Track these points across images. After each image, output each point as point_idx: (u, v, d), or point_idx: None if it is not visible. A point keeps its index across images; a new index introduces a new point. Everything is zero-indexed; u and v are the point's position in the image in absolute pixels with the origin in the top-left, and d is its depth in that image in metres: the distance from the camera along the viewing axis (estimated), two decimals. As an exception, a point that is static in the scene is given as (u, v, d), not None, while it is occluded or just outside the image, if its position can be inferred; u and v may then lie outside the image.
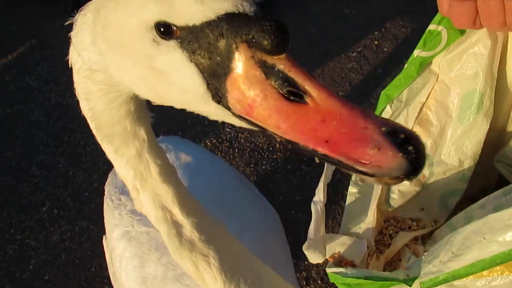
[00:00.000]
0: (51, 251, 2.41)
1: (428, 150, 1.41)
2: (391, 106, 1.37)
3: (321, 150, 0.47)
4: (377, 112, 1.39)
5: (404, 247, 1.42)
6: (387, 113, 1.38)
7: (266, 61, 0.50)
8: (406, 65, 1.35)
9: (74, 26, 0.72)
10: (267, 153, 2.73)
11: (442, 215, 1.48)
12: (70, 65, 0.76)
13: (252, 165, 2.70)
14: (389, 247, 1.42)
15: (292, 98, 0.49)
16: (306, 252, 1.33)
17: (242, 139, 2.77)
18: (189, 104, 0.60)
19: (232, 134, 2.80)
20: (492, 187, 1.56)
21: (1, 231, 2.51)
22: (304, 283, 2.24)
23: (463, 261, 0.93)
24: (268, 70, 0.50)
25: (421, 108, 1.38)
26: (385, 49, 3.19)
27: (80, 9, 0.70)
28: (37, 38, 3.44)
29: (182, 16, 0.53)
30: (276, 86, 0.50)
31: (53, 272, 2.33)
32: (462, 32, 1.26)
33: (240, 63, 0.51)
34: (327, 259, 1.39)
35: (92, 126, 0.78)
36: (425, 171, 1.44)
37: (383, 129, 0.45)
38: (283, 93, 0.50)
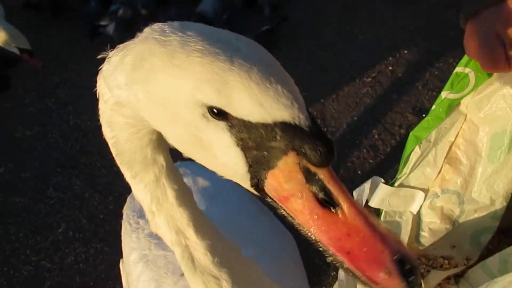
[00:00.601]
0: (66, 273, 2.42)
1: (459, 188, 1.41)
2: (419, 146, 1.38)
3: (341, 258, 0.55)
4: (405, 153, 1.40)
5: (437, 287, 1.40)
6: (416, 154, 1.39)
7: (309, 168, 0.55)
8: (434, 106, 1.36)
9: (107, 60, 0.70)
10: None
11: (474, 252, 1.47)
12: (96, 94, 0.75)
13: None
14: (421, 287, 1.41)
15: (325, 204, 0.55)
16: None
17: None
18: (223, 174, 0.64)
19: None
20: (523, 222, 1.56)
21: (17, 252, 2.52)
22: None
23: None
24: (309, 176, 0.55)
25: (450, 147, 1.39)
26: (399, 75, 3.20)
27: (117, 47, 0.69)
28: (57, 61, 3.49)
29: (239, 111, 0.55)
30: (313, 190, 0.55)
31: None
32: (490, 74, 1.27)
33: (286, 165, 0.56)
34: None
35: (113, 151, 0.79)
36: (456, 209, 1.44)
37: (396, 257, 0.53)
38: (318, 198, 0.55)
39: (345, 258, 0.54)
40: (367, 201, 1.50)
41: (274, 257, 1.38)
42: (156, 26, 0.63)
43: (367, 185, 1.52)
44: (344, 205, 0.54)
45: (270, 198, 0.60)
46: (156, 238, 1.39)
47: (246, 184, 0.61)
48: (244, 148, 0.57)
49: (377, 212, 1.56)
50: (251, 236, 1.41)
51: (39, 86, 3.40)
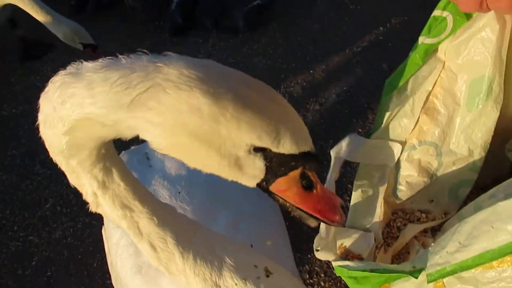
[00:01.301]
0: (54, 248, 2.41)
1: (436, 139, 1.37)
2: (396, 96, 1.34)
3: (315, 214, 0.84)
4: (382, 102, 1.36)
5: (413, 239, 1.38)
6: (392, 103, 1.35)
7: (305, 172, 0.81)
8: (410, 53, 1.32)
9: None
10: None
11: (452, 206, 1.44)
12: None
13: None
14: (397, 240, 1.38)
15: (306, 188, 0.82)
16: (317, 253, 1.28)
17: None
18: (234, 179, 0.81)
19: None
20: (505, 178, 1.52)
21: (4, 228, 2.50)
22: (307, 276, 2.20)
23: (471, 251, 0.89)
24: (303, 175, 0.81)
25: (428, 97, 1.35)
26: (390, 44, 3.15)
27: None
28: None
29: (281, 149, 0.74)
30: (303, 183, 0.81)
31: (55, 269, 2.33)
32: (468, 16, 1.22)
33: (294, 173, 0.79)
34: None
35: (60, 153, 0.82)
36: (434, 161, 1.40)
37: (340, 205, 0.85)
38: (303, 186, 0.82)
39: (318, 214, 0.83)
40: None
41: (252, 220, 1.36)
42: (186, 71, 0.69)
43: (344, 142, 1.48)
44: (318, 186, 0.82)
45: (269, 191, 0.81)
46: None
47: (251, 184, 0.81)
48: (269, 167, 0.77)
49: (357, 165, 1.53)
50: (230, 200, 1.40)
51: (25, 64, 3.36)
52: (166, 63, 0.69)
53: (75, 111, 0.73)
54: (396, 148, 1.40)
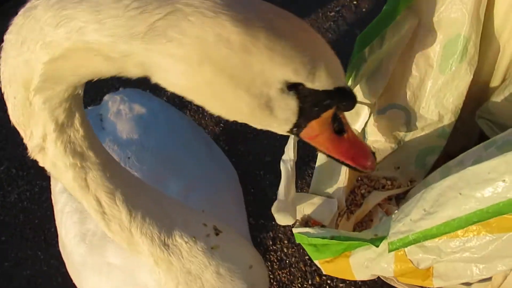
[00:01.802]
0: (9, 211, 2.31)
1: (406, 103, 1.30)
2: (367, 53, 1.24)
3: (348, 161, 0.78)
4: (353, 59, 1.26)
5: (377, 206, 1.32)
6: (362, 62, 1.25)
7: (336, 113, 0.74)
8: (385, 6, 1.21)
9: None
10: None
11: (419, 174, 1.38)
12: None
13: (222, 124, 2.57)
14: (361, 207, 1.32)
15: (337, 132, 0.76)
16: (276, 215, 1.21)
17: None
18: (262, 125, 0.73)
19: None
20: (473, 146, 1.47)
21: None
22: (271, 242, 2.17)
23: (436, 219, 0.83)
24: (335, 118, 0.74)
25: (400, 57, 1.26)
26: (363, 9, 3.04)
27: None
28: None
29: (316, 84, 0.66)
30: (334, 126, 0.75)
31: (10, 233, 2.24)
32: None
33: (327, 114, 0.72)
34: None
35: (26, 85, 0.70)
36: (402, 127, 1.33)
37: (372, 151, 0.80)
38: (334, 129, 0.75)
39: (350, 161, 0.78)
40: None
41: (208, 190, 1.31)
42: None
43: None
44: (349, 130, 0.76)
45: (300, 137, 0.74)
46: None
47: (282, 130, 0.73)
48: (303, 108, 0.68)
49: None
50: (186, 167, 1.34)
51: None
52: None
53: (72, 38, 0.62)
54: (364, 111, 1.32)
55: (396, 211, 0.95)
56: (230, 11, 0.59)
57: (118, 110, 1.52)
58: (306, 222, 1.30)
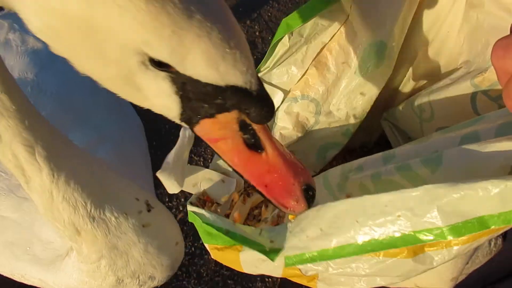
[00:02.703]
0: None
1: (319, 97, 1.28)
2: (289, 38, 1.18)
3: (260, 189, 0.65)
4: (273, 41, 1.19)
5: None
6: (283, 46, 1.19)
7: (245, 121, 0.60)
8: (313, -8, 1.15)
9: None
10: None
11: (318, 166, 1.41)
12: None
13: None
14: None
15: (251, 147, 0.62)
16: (160, 177, 1.13)
17: None
18: (151, 108, 0.62)
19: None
20: (372, 144, 1.53)
21: None
22: (167, 199, 2.15)
23: (332, 242, 0.83)
24: (243, 126, 0.60)
25: (322, 49, 1.22)
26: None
27: None
28: None
29: (190, 71, 0.53)
30: (244, 137, 0.61)
31: None
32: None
33: (225, 118, 0.59)
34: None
35: None
36: (311, 118, 1.32)
37: (304, 186, 0.63)
38: (246, 143, 0.62)
39: (263, 190, 0.64)
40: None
41: (115, 142, 1.22)
42: None
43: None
44: (268, 148, 0.62)
45: (197, 135, 0.63)
46: None
47: (174, 120, 0.62)
48: (183, 97, 0.57)
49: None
50: (91, 117, 1.22)
51: None
52: None
53: None
54: (278, 96, 1.28)
55: (292, 220, 0.94)
56: None
57: (7, 40, 1.28)
58: (201, 197, 1.26)
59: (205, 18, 0.51)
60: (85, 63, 0.58)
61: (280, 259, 0.90)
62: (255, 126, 0.61)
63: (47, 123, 0.80)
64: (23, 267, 1.04)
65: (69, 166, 0.79)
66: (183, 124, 0.62)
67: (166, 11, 0.49)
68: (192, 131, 0.63)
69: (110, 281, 0.92)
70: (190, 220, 1.14)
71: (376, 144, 1.53)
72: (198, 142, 2.21)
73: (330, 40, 1.21)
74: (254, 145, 0.62)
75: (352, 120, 1.29)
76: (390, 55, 1.16)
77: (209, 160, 2.25)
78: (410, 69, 1.32)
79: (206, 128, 0.61)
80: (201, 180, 1.28)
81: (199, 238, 2.05)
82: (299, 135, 1.36)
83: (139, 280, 0.95)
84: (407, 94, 1.38)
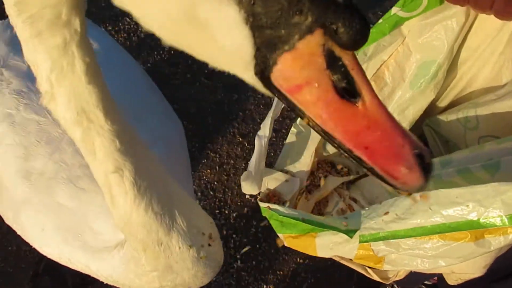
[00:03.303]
0: None
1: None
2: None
3: (358, 153, 0.49)
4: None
5: (332, 190, 1.52)
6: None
7: (334, 51, 0.47)
8: (381, 20, 1.34)
9: None
10: (167, 55, 2.54)
11: (366, 166, 1.61)
12: None
13: (149, 64, 2.52)
14: (319, 189, 1.51)
15: (344, 95, 0.48)
16: (243, 183, 1.34)
17: (143, 34, 2.50)
18: (218, 62, 0.52)
19: (132, 26, 2.51)
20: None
21: None
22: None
23: (406, 224, 1.03)
24: (332, 61, 0.47)
25: (381, 66, 1.41)
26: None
27: None
28: None
29: None
30: (333, 79, 0.48)
31: None
32: (441, 1, 1.28)
33: (307, 46, 0.47)
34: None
35: (10, 1, 0.63)
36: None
37: (415, 151, 0.48)
38: (337, 88, 0.48)
39: (363, 154, 0.49)
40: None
41: (164, 144, 1.30)
42: None
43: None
44: (367, 95, 0.48)
45: (275, 87, 0.50)
46: (26, 98, 1.19)
47: (247, 72, 0.51)
48: (255, 26, 0.46)
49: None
50: (145, 120, 1.29)
51: None
52: None
53: None
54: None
55: (367, 208, 1.14)
56: None
57: None
58: (267, 194, 1.45)
59: None
60: (142, 6, 0.52)
61: (355, 241, 1.09)
62: (347, 59, 0.48)
63: (141, 146, 0.83)
64: (71, 252, 1.11)
65: (150, 193, 0.82)
66: (257, 81, 0.51)
67: None
68: (269, 84, 0.50)
69: (153, 286, 0.97)
70: (264, 215, 1.33)
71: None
72: (214, 139, 2.37)
73: (388, 58, 1.40)
74: (347, 91, 0.48)
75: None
76: (441, 72, 1.36)
77: (224, 157, 2.35)
78: (452, 83, 1.52)
79: (287, 70, 0.48)
80: (269, 180, 1.47)
81: (233, 191, 2.22)
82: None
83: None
84: (446, 104, 1.58)
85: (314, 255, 1.27)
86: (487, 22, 1.31)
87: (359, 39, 0.46)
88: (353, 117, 0.48)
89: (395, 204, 1.06)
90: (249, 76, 0.51)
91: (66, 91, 0.69)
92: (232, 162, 2.34)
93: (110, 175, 0.77)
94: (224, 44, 0.48)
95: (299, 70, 0.47)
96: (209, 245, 0.96)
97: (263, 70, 0.49)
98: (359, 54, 1.37)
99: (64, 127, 0.75)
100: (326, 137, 0.49)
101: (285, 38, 0.46)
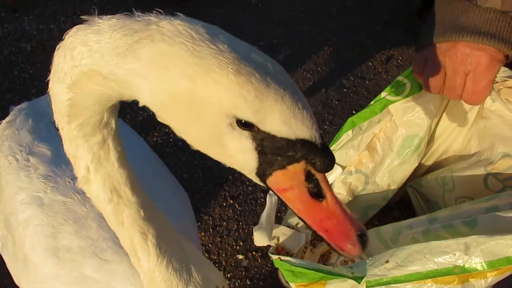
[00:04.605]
0: None
1: (369, 171, 1.75)
2: (352, 131, 1.66)
3: (321, 233, 0.73)
4: (340, 133, 1.67)
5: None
6: (347, 136, 1.67)
7: (311, 171, 0.71)
8: (373, 102, 1.65)
9: (94, 25, 0.69)
10: (159, 125, 2.66)
11: (361, 221, 1.85)
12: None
13: (143, 135, 2.62)
14: (322, 242, 1.73)
15: (314, 196, 0.72)
16: (255, 234, 1.52)
17: (136, 106, 2.67)
18: (232, 166, 0.74)
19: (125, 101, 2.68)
20: (394, 202, 1.98)
21: None
22: None
23: (405, 271, 1.26)
24: (309, 177, 0.71)
25: (373, 138, 1.70)
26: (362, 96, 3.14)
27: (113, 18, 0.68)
28: None
29: (268, 127, 0.66)
30: (309, 187, 0.72)
31: None
32: (421, 88, 1.60)
33: (294, 168, 0.70)
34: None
35: (65, 111, 0.77)
36: (360, 187, 1.78)
37: (359, 232, 0.72)
38: (310, 192, 0.72)
39: (323, 234, 0.73)
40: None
41: (174, 213, 1.39)
42: (182, 27, 0.65)
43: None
44: (329, 197, 0.72)
45: (268, 187, 0.73)
46: (52, 182, 1.31)
47: (251, 175, 0.73)
48: (261, 152, 0.68)
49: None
50: (157, 192, 1.34)
51: None
52: (172, 19, 0.67)
53: (82, 60, 0.70)
54: (338, 170, 1.74)
55: (370, 258, 1.37)
56: (188, 42, 0.64)
57: None
58: (277, 248, 1.66)
59: (279, 86, 0.65)
60: (184, 128, 0.70)
61: (362, 286, 1.31)
62: (318, 176, 0.70)
63: (158, 214, 0.96)
64: None
65: (170, 253, 0.94)
66: (256, 179, 0.73)
67: (250, 81, 0.63)
68: (264, 183, 0.73)
69: None
70: (276, 266, 1.53)
71: (396, 204, 1.98)
72: (207, 203, 2.44)
73: (379, 132, 1.69)
74: (316, 194, 0.71)
75: (391, 188, 1.76)
76: (423, 144, 1.66)
77: (217, 219, 2.48)
78: (430, 151, 1.83)
79: (278, 179, 0.70)
80: (277, 235, 1.68)
81: (227, 253, 2.33)
82: (349, 198, 1.81)
83: None
84: (426, 169, 1.88)
85: (325, 302, 1.47)
86: (458, 105, 1.64)
87: (328, 166, 0.70)
88: (319, 210, 0.72)
89: (395, 254, 1.30)
90: (252, 177, 0.74)
91: (102, 176, 0.84)
92: (225, 223, 2.43)
93: (135, 239, 0.91)
94: (238, 159, 0.70)
95: (286, 180, 0.71)
96: None
97: (261, 176, 0.72)
98: (355, 129, 1.66)
99: (96, 204, 0.89)
100: (302, 221, 0.74)
101: (279, 162, 0.69)
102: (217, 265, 2.33)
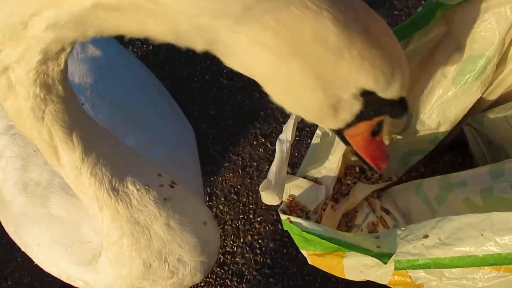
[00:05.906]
0: None
1: (411, 106, 1.31)
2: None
3: (368, 160, 0.87)
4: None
5: (362, 200, 1.36)
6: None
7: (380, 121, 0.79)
8: (420, 8, 1.17)
9: None
10: (185, 57, 2.43)
11: (399, 171, 1.44)
12: None
13: (166, 67, 2.42)
14: (347, 198, 1.36)
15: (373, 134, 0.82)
16: (262, 193, 1.19)
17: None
18: (317, 121, 0.77)
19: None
20: (445, 145, 1.54)
21: None
22: (207, 198, 2.20)
23: (451, 251, 0.87)
24: (379, 123, 0.80)
25: (420, 60, 1.24)
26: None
27: None
28: None
29: (388, 94, 0.69)
30: (374, 128, 0.80)
31: None
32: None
33: (379, 118, 0.77)
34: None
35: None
36: (400, 127, 1.35)
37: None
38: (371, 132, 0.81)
39: (371, 161, 0.86)
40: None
41: (167, 146, 1.27)
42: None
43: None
44: (381, 134, 0.83)
45: (341, 133, 0.79)
46: None
47: (334, 126, 0.76)
48: (363, 112, 0.71)
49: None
50: (144, 122, 1.28)
51: None
52: None
53: None
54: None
55: (403, 228, 0.99)
56: (332, 8, 0.58)
57: None
58: (290, 204, 1.31)
59: (400, 49, 0.69)
60: (293, 99, 0.69)
61: (389, 264, 0.94)
62: (387, 120, 0.79)
63: (82, 109, 0.86)
64: (66, 268, 1.08)
65: (99, 147, 0.85)
66: (333, 128, 0.78)
67: (383, 58, 0.64)
68: (341, 133, 0.79)
69: (137, 265, 0.91)
70: (285, 228, 1.19)
71: (448, 145, 1.54)
72: (236, 142, 2.26)
73: (428, 51, 1.23)
74: (376, 133, 0.80)
75: (442, 129, 1.32)
76: (490, 67, 1.18)
77: (247, 159, 2.27)
78: (499, 78, 1.33)
79: (360, 128, 0.76)
80: (291, 187, 1.33)
81: (240, 237, 2.11)
82: (386, 142, 1.39)
83: (168, 265, 0.93)
84: (491, 102, 1.39)
85: (342, 277, 1.13)
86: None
87: (401, 117, 0.76)
88: (373, 144, 0.83)
89: (438, 226, 0.91)
90: (331, 127, 0.79)
91: (37, 72, 0.71)
92: (255, 164, 2.27)
93: (58, 134, 0.78)
94: (338, 117, 0.72)
95: (366, 128, 0.77)
96: (171, 186, 0.93)
97: (344, 128, 0.76)
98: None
99: (1, 97, 0.75)
100: (356, 155, 0.87)
101: (370, 116, 0.73)
102: (246, 207, 2.19)
